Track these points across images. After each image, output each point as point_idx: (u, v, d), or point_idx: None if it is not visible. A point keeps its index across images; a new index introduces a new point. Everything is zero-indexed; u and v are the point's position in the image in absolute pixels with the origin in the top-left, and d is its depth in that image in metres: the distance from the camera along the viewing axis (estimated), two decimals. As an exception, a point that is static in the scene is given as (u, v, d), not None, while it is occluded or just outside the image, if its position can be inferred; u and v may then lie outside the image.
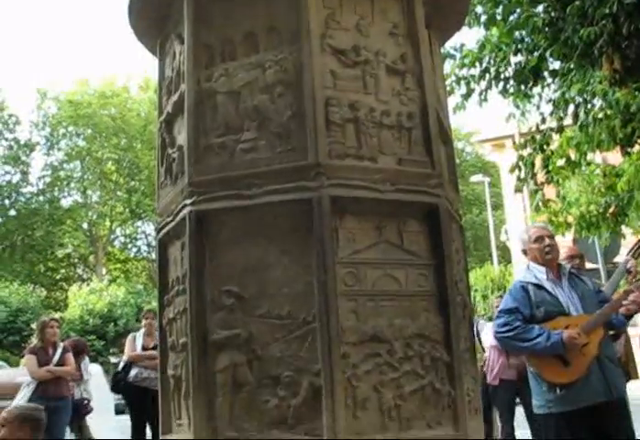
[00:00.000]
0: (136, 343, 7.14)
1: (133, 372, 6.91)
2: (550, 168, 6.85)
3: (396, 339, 2.33)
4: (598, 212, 7.28)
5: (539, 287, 4.15)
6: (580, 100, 6.31)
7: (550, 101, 6.76)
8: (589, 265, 10.10)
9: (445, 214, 2.51)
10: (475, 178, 25.10)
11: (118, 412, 11.15)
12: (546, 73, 7.22)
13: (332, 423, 2.17)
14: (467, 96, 7.29)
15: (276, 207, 2.39)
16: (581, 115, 6.41)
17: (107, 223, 32.07)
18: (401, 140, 2.54)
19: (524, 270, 4.35)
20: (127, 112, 31.66)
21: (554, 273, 4.26)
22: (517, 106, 7.50)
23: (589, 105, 6.35)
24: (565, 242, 6.08)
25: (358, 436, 2.20)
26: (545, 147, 6.79)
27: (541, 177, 6.91)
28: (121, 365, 7.28)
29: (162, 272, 2.80)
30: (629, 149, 7.15)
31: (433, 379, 2.35)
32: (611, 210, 7.63)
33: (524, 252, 4.38)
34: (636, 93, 6.92)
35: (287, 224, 2.38)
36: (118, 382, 7.10)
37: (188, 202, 2.51)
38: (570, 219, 7.47)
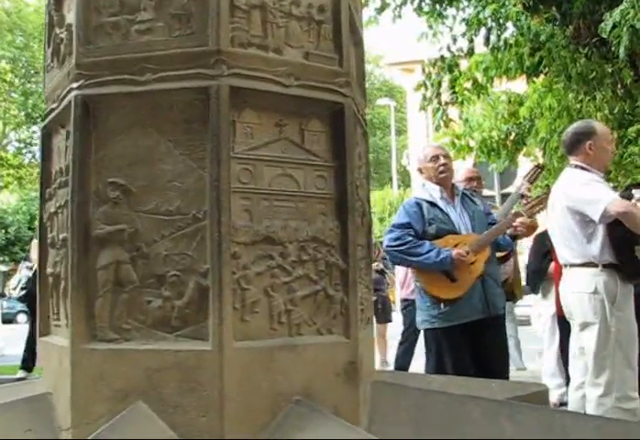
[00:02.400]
0: None
1: None
2: (457, 89, 6.81)
3: (290, 242, 2.23)
4: (499, 138, 7.36)
5: (432, 205, 4.21)
6: (493, 24, 6.24)
7: (463, 20, 6.66)
8: (486, 191, 10.35)
9: (350, 116, 2.39)
10: (381, 101, 25.09)
11: (6, 321, 10.90)
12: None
13: (218, 326, 2.06)
14: (380, 10, 7.11)
15: (170, 95, 2.19)
16: (493, 38, 6.36)
17: (0, 126, 30.35)
18: (310, 33, 2.37)
19: (419, 188, 4.36)
20: (24, 6, 29.53)
21: (447, 193, 4.30)
22: (430, 26, 7.38)
23: (501, 29, 6.30)
24: (465, 165, 6.11)
25: (246, 340, 2.12)
26: (453, 68, 6.73)
27: (446, 97, 6.88)
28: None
29: (45, 163, 2.58)
30: (534, 78, 7.21)
31: (326, 285, 2.28)
32: (511, 137, 7.75)
33: (420, 171, 4.37)
34: (547, 22, 6.92)
35: (181, 113, 2.19)
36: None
37: (74, 85, 2.28)
38: (472, 143, 7.53)
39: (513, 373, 7.21)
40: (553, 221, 3.99)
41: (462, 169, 5.26)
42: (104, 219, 2.21)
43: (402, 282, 7.03)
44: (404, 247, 4.10)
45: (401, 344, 6.95)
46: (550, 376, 5.65)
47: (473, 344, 4.19)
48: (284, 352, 2.16)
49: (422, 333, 4.50)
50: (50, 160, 2.56)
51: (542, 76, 6.82)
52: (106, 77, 2.24)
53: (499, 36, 6.28)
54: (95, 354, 2.15)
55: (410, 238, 4.10)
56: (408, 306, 6.76)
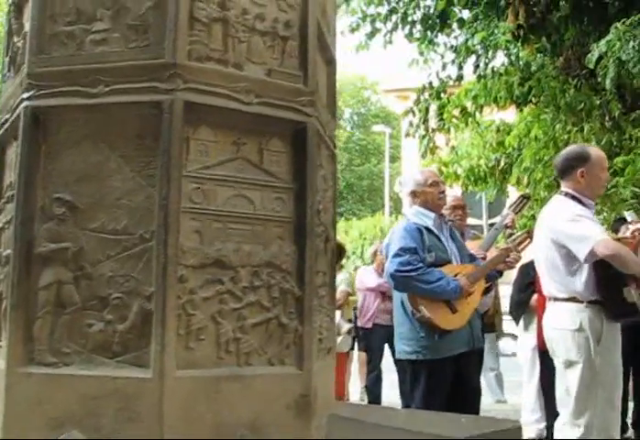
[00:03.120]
0: None
1: None
2: (444, 116, 6.76)
3: (242, 266, 2.12)
4: (487, 166, 7.29)
5: (430, 232, 4.04)
6: (481, 50, 6.21)
7: (452, 47, 6.63)
8: (474, 220, 10.28)
9: (313, 136, 2.29)
10: (377, 128, 25.12)
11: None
12: (454, 24, 7.09)
13: (159, 353, 1.95)
14: (371, 35, 7.07)
15: (123, 109, 2.10)
16: (481, 65, 6.33)
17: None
18: (274, 49, 2.28)
19: (413, 213, 4.18)
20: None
21: (439, 221, 4.18)
22: (421, 53, 7.35)
23: (489, 57, 6.27)
24: (452, 193, 6.02)
25: (190, 368, 2.00)
26: (441, 94, 6.68)
27: (433, 124, 6.83)
28: None
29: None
30: (523, 108, 7.18)
31: (280, 313, 2.16)
32: (500, 167, 7.69)
33: (414, 194, 4.16)
34: (538, 53, 6.90)
35: (133, 128, 2.10)
36: None
37: (25, 96, 2.18)
38: (460, 171, 7.46)
39: (493, 406, 7.09)
40: (538, 251, 3.87)
41: (448, 196, 5.13)
42: (49, 236, 2.10)
43: (360, 310, 6.90)
44: (416, 273, 3.87)
45: (370, 372, 6.82)
46: (530, 410, 5.52)
47: (455, 378, 4.05)
48: (231, 382, 2.04)
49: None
50: (3, 174, 2.45)
51: (530, 105, 6.77)
52: (58, 88, 2.15)
53: (486, 64, 6.25)
54: (32, 378, 2.03)
55: (420, 264, 3.90)
56: (367, 335, 6.70)
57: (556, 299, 3.70)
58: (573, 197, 3.70)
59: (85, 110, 2.13)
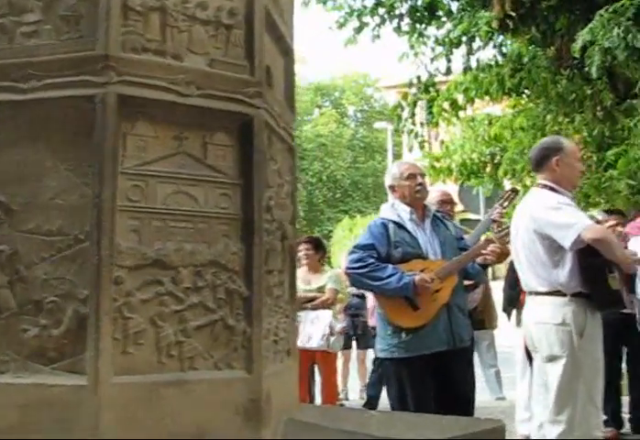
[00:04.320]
0: None
1: None
2: (433, 110, 6.64)
3: (184, 266, 2.02)
4: (480, 160, 7.17)
5: (400, 226, 3.94)
6: (466, 42, 6.09)
7: (437, 40, 6.51)
8: (472, 215, 10.14)
9: (261, 129, 2.19)
10: (378, 125, 24.98)
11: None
12: (443, 14, 6.97)
13: (94, 359, 1.86)
14: (358, 30, 6.95)
15: (57, 105, 2.00)
16: (468, 58, 6.21)
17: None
18: (217, 39, 2.18)
19: (385, 208, 4.11)
20: None
21: (418, 214, 4.06)
22: (412, 46, 7.23)
23: (475, 49, 6.15)
24: (445, 188, 5.90)
25: (128, 374, 1.91)
26: (430, 88, 6.56)
27: (421, 118, 6.71)
28: None
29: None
30: (506, 98, 7.05)
31: (225, 315, 2.06)
32: (495, 160, 7.56)
33: (392, 188, 4.09)
34: (529, 44, 6.78)
35: (68, 125, 2.00)
36: None
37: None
38: (453, 166, 7.34)
39: (492, 403, 6.97)
40: (517, 245, 3.77)
41: (435, 191, 5.04)
42: (-17, 239, 2.01)
43: (371, 310, 6.81)
44: (365, 269, 3.83)
45: (374, 372, 6.71)
46: (523, 407, 5.40)
47: (437, 377, 3.93)
48: (173, 388, 1.95)
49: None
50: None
51: (515, 97, 6.65)
52: (-14, 83, 2.05)
53: (471, 55, 6.13)
54: (-36, 388, 1.94)
55: (371, 261, 3.83)
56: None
57: (537, 293, 3.60)
58: (550, 188, 3.61)
59: (19, 107, 2.02)
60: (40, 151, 2.01)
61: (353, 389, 8.56)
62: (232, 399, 2.02)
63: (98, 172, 1.93)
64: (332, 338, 6.25)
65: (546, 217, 3.52)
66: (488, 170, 7.22)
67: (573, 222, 3.41)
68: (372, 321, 6.81)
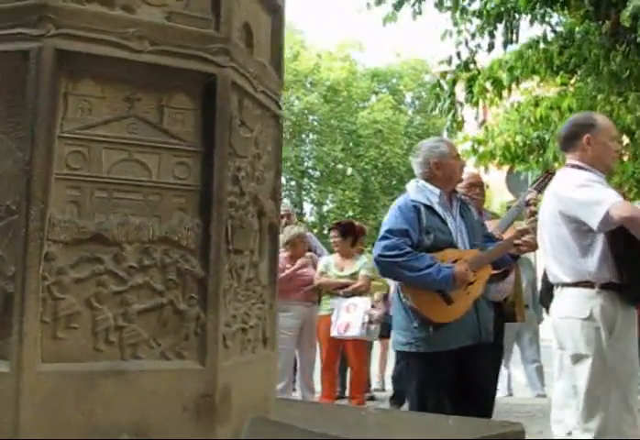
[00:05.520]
0: None
1: None
2: (474, 89, 6.25)
3: (130, 242, 1.80)
4: (525, 144, 6.76)
5: (431, 210, 3.60)
6: (505, 16, 5.69)
7: (473, 13, 6.12)
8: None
9: (225, 89, 1.94)
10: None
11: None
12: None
13: (18, 344, 1.65)
14: (398, 6, 6.61)
15: (-9, 60, 1.81)
16: (513, 32, 5.83)
17: None
18: (177, -11, 1.95)
19: (414, 188, 3.76)
20: None
21: (447, 198, 3.75)
22: (455, 23, 6.85)
23: (514, 23, 5.74)
24: (471, 171, 5.55)
25: (58, 362, 1.70)
26: (470, 65, 6.19)
27: (461, 97, 6.33)
28: None
29: None
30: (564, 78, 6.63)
31: (176, 298, 1.83)
32: (544, 143, 7.14)
33: (436, 165, 3.70)
34: (581, 18, 6.36)
35: (4, 84, 1.80)
36: None
37: None
38: (494, 149, 6.95)
39: (531, 400, 6.62)
40: (542, 231, 3.43)
41: (465, 173, 4.68)
42: None
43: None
44: (401, 258, 3.46)
45: (397, 364, 6.40)
46: (559, 407, 5.04)
47: (459, 371, 3.64)
48: (109, 378, 1.73)
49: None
50: None
51: (562, 74, 6.22)
52: None
53: (511, 29, 5.72)
54: None
55: (408, 249, 3.48)
56: None
57: (563, 284, 3.26)
58: (580, 168, 3.25)
59: (-47, 64, 1.84)
60: (-26, 113, 1.81)
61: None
62: (180, 393, 1.79)
63: (30, 136, 1.72)
64: (371, 327, 5.99)
65: (572, 196, 3.17)
66: (535, 154, 6.81)
67: (601, 199, 3.05)
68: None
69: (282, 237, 6.39)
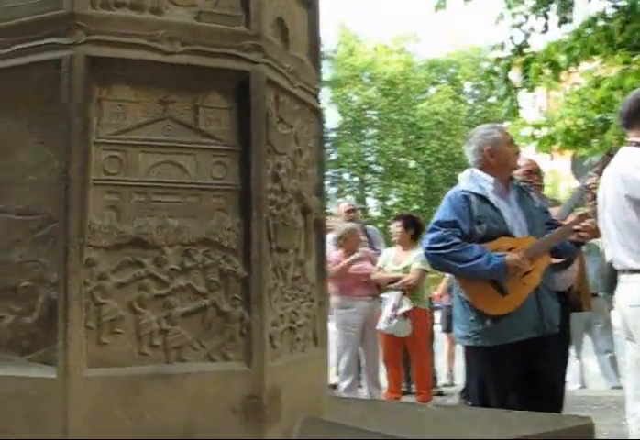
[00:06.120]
0: None
1: None
2: (530, 73, 6.06)
3: (170, 245, 1.79)
4: (587, 127, 6.53)
5: (483, 199, 3.51)
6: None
7: (529, -6, 5.94)
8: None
9: (260, 87, 1.91)
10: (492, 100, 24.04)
11: None
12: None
13: (63, 349, 1.67)
14: (448, -8, 6.49)
15: (27, 71, 1.82)
16: (565, 14, 5.63)
17: None
18: (205, -13, 1.93)
19: (465, 178, 3.68)
20: None
21: (503, 185, 3.64)
22: (509, 6, 6.68)
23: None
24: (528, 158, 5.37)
25: (103, 366, 1.71)
26: (525, 49, 6.00)
27: (517, 82, 6.15)
28: None
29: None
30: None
31: (219, 299, 1.82)
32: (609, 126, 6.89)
33: (490, 153, 3.61)
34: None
35: (38, 92, 1.81)
36: None
37: None
38: (556, 134, 6.73)
39: (606, 392, 6.41)
40: (605, 215, 3.30)
41: (520, 159, 4.53)
42: (-39, 221, 1.86)
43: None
44: (449, 250, 3.41)
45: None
46: (633, 398, 4.86)
47: (523, 366, 3.52)
48: (156, 382, 1.73)
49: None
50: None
51: (622, 52, 5.96)
52: (-34, 54, 1.90)
53: (565, 8, 5.52)
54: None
55: (456, 240, 3.42)
56: None
57: (631, 271, 3.12)
58: (644, 146, 3.10)
59: (-9, 76, 1.87)
60: (10, 125, 1.84)
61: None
62: (227, 394, 1.78)
63: (65, 144, 1.73)
64: (394, 321, 5.87)
65: (638, 177, 3.03)
66: (598, 137, 6.57)
67: None
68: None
69: (336, 234, 6.38)
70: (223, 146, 1.90)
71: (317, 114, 2.31)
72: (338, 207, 7.60)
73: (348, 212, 6.92)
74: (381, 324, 5.86)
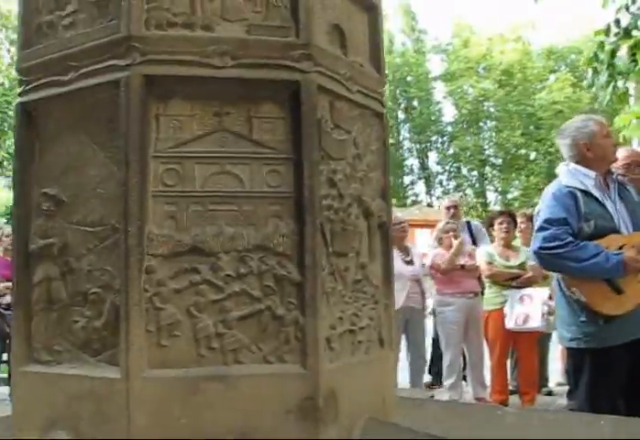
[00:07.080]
0: None
1: None
2: (637, 57, 5.74)
3: (226, 252, 1.87)
4: None
5: (588, 195, 3.37)
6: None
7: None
8: None
9: (311, 95, 1.95)
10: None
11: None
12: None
13: (125, 352, 1.78)
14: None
15: (93, 93, 1.96)
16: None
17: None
18: (255, 2, 1.99)
19: (566, 173, 3.51)
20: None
21: (603, 180, 3.49)
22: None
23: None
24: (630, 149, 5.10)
25: (163, 368, 1.81)
26: (633, 31, 5.68)
27: (623, 67, 5.82)
28: None
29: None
30: None
31: (274, 304, 1.88)
32: None
33: (586, 146, 3.47)
34: None
35: (103, 112, 1.94)
36: None
37: (19, 91, 2.14)
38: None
39: None
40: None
41: (621, 151, 4.29)
42: (40, 233, 2.03)
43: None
44: (564, 249, 3.25)
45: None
46: None
47: (631, 367, 3.36)
48: (212, 383, 1.81)
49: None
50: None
51: None
52: (40, 80, 2.07)
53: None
54: (29, 377, 2.01)
55: (570, 239, 3.27)
56: None
57: None
58: None
59: (61, 99, 2.02)
60: (81, 142, 1.98)
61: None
62: (282, 396, 1.84)
63: (124, 158, 1.84)
64: (550, 318, 5.72)
65: None
66: None
67: None
68: None
69: (436, 234, 6.32)
70: (277, 154, 1.95)
71: (380, 117, 2.33)
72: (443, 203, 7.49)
73: (449, 208, 6.81)
74: (536, 322, 5.70)
